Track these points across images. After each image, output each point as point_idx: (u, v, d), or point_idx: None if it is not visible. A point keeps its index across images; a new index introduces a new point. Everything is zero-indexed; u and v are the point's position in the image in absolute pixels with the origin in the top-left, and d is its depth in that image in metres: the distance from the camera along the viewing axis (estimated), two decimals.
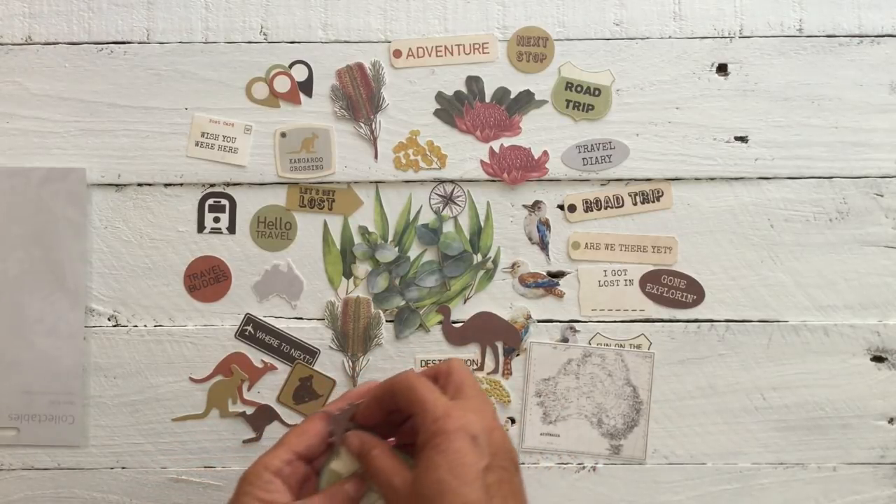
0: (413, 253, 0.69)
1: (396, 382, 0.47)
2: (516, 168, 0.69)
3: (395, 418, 0.49)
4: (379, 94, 0.69)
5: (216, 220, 0.69)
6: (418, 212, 0.69)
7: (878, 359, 0.69)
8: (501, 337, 0.69)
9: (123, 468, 0.69)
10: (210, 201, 0.69)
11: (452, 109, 0.69)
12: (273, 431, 0.69)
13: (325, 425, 0.49)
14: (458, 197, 0.69)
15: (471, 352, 0.69)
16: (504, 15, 0.69)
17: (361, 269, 0.69)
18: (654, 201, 0.69)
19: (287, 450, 0.48)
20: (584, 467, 0.69)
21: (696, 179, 0.69)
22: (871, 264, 0.69)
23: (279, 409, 0.69)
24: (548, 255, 0.69)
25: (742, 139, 0.69)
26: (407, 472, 0.45)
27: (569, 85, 0.69)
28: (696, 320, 0.69)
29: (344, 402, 0.51)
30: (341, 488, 0.48)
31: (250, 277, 0.69)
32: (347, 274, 0.69)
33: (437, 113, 0.69)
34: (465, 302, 0.69)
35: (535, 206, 0.69)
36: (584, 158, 0.69)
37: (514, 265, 0.69)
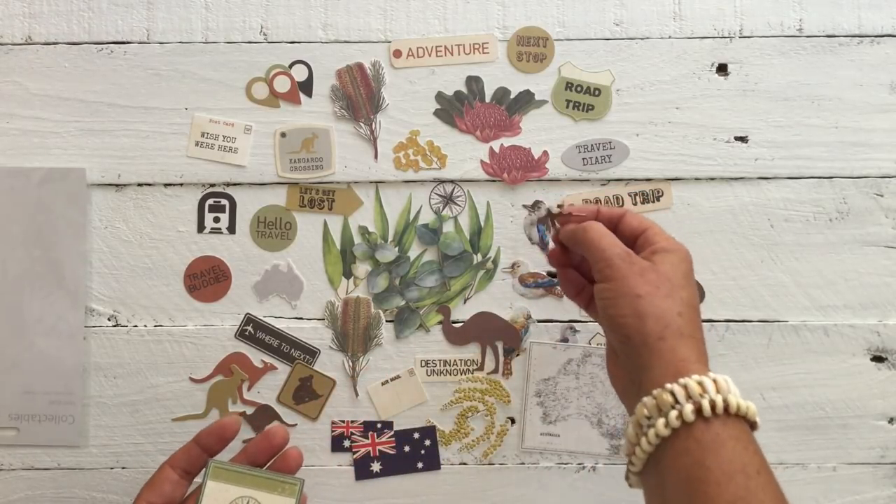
0: (413, 253, 0.69)
1: (628, 211, 0.57)
2: (516, 168, 0.69)
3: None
4: (379, 94, 0.69)
5: (216, 220, 0.69)
6: (418, 212, 0.69)
7: (878, 359, 0.69)
8: (501, 337, 0.69)
9: (123, 468, 0.69)
10: (210, 201, 0.69)
11: (452, 109, 0.69)
12: None
13: (173, 472, 0.57)
14: (458, 197, 0.69)
15: (471, 352, 0.69)
16: (504, 15, 0.69)
17: (361, 269, 0.69)
18: (654, 201, 0.69)
19: (141, 501, 0.55)
20: (584, 467, 0.69)
21: (696, 179, 0.69)
22: (871, 264, 0.69)
23: (279, 409, 0.69)
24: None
25: (742, 139, 0.69)
26: (639, 257, 0.53)
27: (569, 85, 0.69)
28: None
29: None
30: None
31: (250, 277, 0.69)
32: (347, 274, 0.69)
33: (437, 113, 0.69)
34: (465, 302, 0.69)
35: (535, 206, 0.69)
36: (584, 158, 0.69)
37: (514, 265, 0.69)
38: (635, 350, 0.50)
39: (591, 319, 0.69)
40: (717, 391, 0.46)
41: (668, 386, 0.46)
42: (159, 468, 0.58)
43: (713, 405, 0.45)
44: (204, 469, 0.57)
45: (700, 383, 0.46)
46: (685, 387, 0.46)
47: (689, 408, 0.45)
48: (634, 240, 0.55)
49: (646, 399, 0.47)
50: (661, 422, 0.46)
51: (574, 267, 0.60)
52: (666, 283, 0.50)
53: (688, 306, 0.50)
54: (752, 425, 0.48)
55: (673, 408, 0.46)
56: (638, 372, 0.50)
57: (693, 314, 0.50)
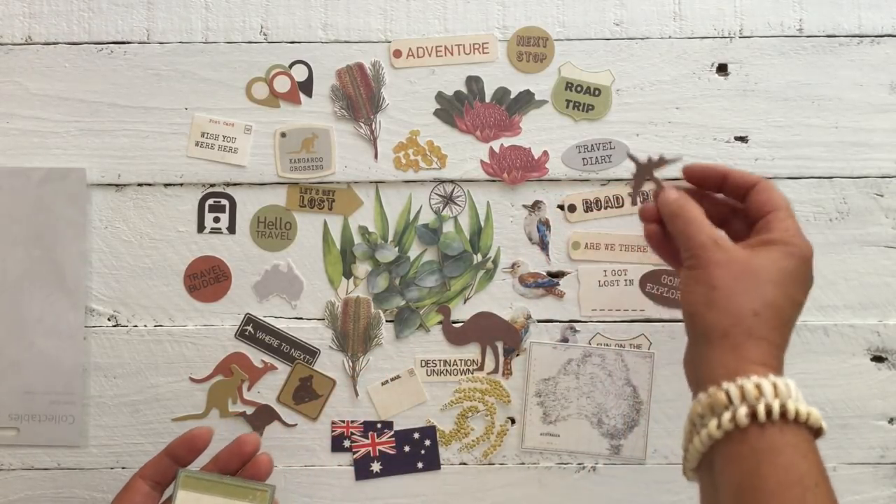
0: (413, 253, 0.69)
1: (762, 180, 0.53)
2: (516, 168, 0.69)
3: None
4: (379, 94, 0.69)
5: (216, 220, 0.69)
6: (418, 212, 0.69)
7: (878, 359, 0.69)
8: (501, 337, 0.69)
9: (123, 468, 0.69)
10: (210, 201, 0.69)
11: (452, 109, 0.69)
12: (273, 431, 0.69)
13: (143, 483, 0.57)
14: (458, 197, 0.69)
15: (471, 352, 0.69)
16: (504, 15, 0.69)
17: (361, 269, 0.69)
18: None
19: None
20: (584, 467, 0.69)
21: None
22: (871, 264, 0.69)
23: (279, 409, 0.69)
24: (548, 255, 0.69)
25: (742, 139, 0.69)
26: (734, 244, 0.49)
27: (569, 85, 0.69)
28: None
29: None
30: None
31: (250, 277, 0.69)
32: (347, 274, 0.69)
33: (437, 113, 0.69)
34: (465, 302, 0.69)
35: (535, 206, 0.69)
36: (584, 158, 0.69)
37: (514, 265, 0.69)
38: (699, 341, 0.48)
39: (591, 319, 0.69)
40: (776, 395, 0.43)
41: (725, 385, 0.44)
42: (130, 480, 0.58)
43: (769, 410, 0.43)
44: (174, 479, 0.58)
45: (758, 386, 0.43)
46: (741, 388, 0.43)
47: (742, 411, 0.43)
48: (758, 219, 0.51)
49: (701, 396, 0.45)
50: (713, 423, 0.44)
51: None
52: (751, 278, 0.47)
53: (770, 307, 0.46)
54: (817, 432, 0.45)
55: (727, 409, 0.43)
56: (699, 365, 0.47)
57: (775, 316, 0.46)
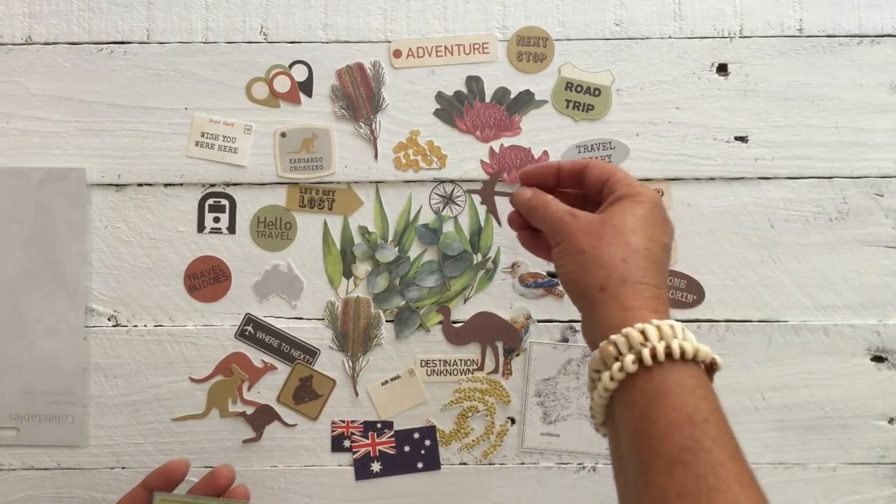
0: (413, 253, 0.69)
1: (592, 160, 0.56)
2: (516, 168, 0.69)
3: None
4: (379, 94, 0.69)
5: (216, 220, 0.69)
6: (418, 212, 0.69)
7: (878, 359, 0.69)
8: (501, 337, 0.69)
9: (123, 468, 0.69)
10: (210, 201, 0.69)
11: (452, 109, 0.69)
12: (273, 431, 0.69)
13: (146, 494, 0.58)
14: (458, 197, 0.69)
15: (471, 352, 0.69)
16: (504, 15, 0.69)
17: (361, 269, 0.69)
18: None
19: None
20: (584, 467, 0.69)
21: (696, 179, 0.69)
22: (871, 264, 0.69)
23: (279, 409, 0.69)
24: None
25: (742, 139, 0.69)
26: (588, 212, 0.51)
27: (569, 85, 0.69)
28: (696, 320, 0.69)
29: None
30: None
31: (250, 277, 0.69)
32: (347, 274, 0.69)
33: (437, 113, 0.69)
34: (465, 302, 0.69)
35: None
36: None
37: (514, 265, 0.69)
38: (584, 305, 0.49)
39: None
40: (661, 338, 0.44)
41: (612, 337, 0.45)
42: (126, 496, 0.59)
43: (654, 354, 0.43)
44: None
45: (642, 331, 0.44)
46: (627, 336, 0.44)
47: (629, 358, 0.43)
48: (600, 190, 0.53)
49: (594, 353, 0.46)
50: (606, 375, 0.45)
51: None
52: (611, 232, 0.49)
53: (636, 252, 0.48)
54: (711, 369, 0.45)
55: (616, 360, 0.44)
56: (592, 328, 0.48)
57: (644, 259, 0.48)
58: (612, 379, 0.44)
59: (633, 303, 0.46)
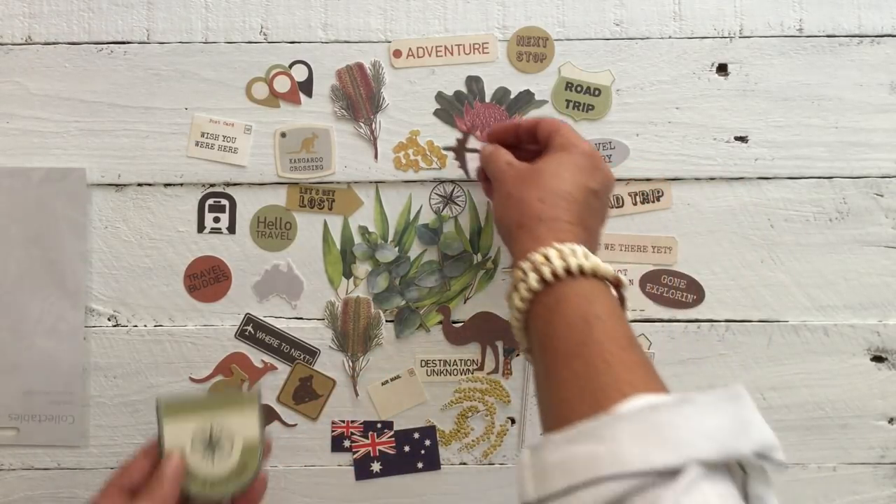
0: (413, 253, 0.69)
1: (545, 117, 0.62)
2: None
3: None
4: (379, 94, 0.69)
5: (216, 220, 0.69)
6: (418, 212, 0.69)
7: (878, 359, 0.69)
8: (501, 337, 0.69)
9: None
10: (210, 201, 0.69)
11: (452, 109, 0.69)
12: (273, 431, 0.69)
13: (149, 462, 0.54)
14: (458, 197, 0.69)
15: (471, 352, 0.69)
16: (504, 15, 0.69)
17: (361, 269, 0.69)
18: (654, 201, 0.69)
19: (109, 488, 0.52)
20: None
21: (696, 179, 0.69)
22: (871, 264, 0.69)
23: (279, 409, 0.69)
24: None
25: (742, 139, 0.69)
26: (524, 163, 0.57)
27: (569, 85, 0.69)
28: (696, 320, 0.69)
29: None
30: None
31: (250, 277, 0.69)
32: (347, 274, 0.69)
33: (437, 113, 0.69)
34: (465, 302, 0.69)
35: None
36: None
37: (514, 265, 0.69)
38: (507, 242, 0.55)
39: None
40: (561, 258, 0.48)
41: (520, 263, 0.50)
42: (135, 455, 0.55)
43: (554, 272, 0.47)
44: (156, 413, 0.55)
45: (545, 255, 0.48)
46: (531, 261, 0.49)
47: (533, 277, 0.48)
48: (548, 144, 0.58)
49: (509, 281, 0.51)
50: (515, 296, 0.49)
51: None
52: (535, 176, 0.54)
53: (553, 192, 0.53)
54: (617, 287, 0.50)
55: (523, 282, 0.49)
56: (511, 261, 0.53)
57: (561, 198, 0.53)
58: (521, 300, 0.49)
59: (544, 235, 0.51)
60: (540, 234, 0.51)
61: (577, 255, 0.48)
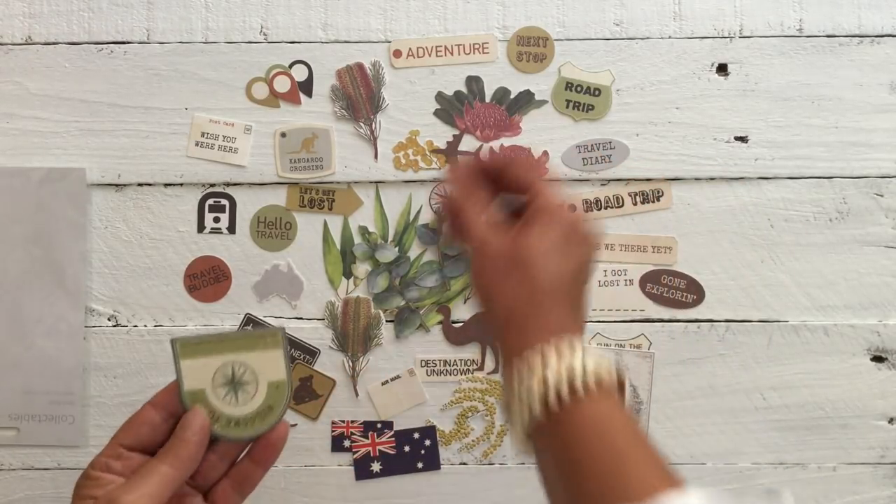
0: (413, 253, 0.69)
1: (517, 159, 0.53)
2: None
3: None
4: (379, 94, 0.69)
5: (216, 220, 0.69)
6: (418, 212, 0.69)
7: (878, 359, 0.69)
8: None
9: None
10: (210, 201, 0.69)
11: (452, 109, 0.69)
12: None
13: (156, 413, 0.49)
14: None
15: (471, 352, 0.69)
16: (504, 15, 0.69)
17: (361, 269, 0.69)
18: (654, 201, 0.69)
19: (113, 444, 0.48)
20: None
21: (696, 179, 0.69)
22: (871, 264, 0.69)
23: None
24: None
25: (742, 139, 0.69)
26: (503, 232, 0.48)
27: (569, 85, 0.69)
28: (696, 320, 0.69)
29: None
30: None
31: (250, 277, 0.69)
32: (347, 274, 0.69)
33: (437, 113, 0.69)
34: (465, 302, 0.69)
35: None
36: (584, 158, 0.69)
37: None
38: (490, 328, 0.49)
39: (591, 319, 0.69)
40: (568, 379, 0.43)
41: (517, 388, 0.44)
42: (140, 409, 0.50)
43: (560, 396, 0.43)
44: (172, 354, 0.50)
45: (544, 378, 0.43)
46: (532, 384, 0.43)
47: (537, 405, 0.43)
48: (526, 191, 0.51)
49: (504, 397, 0.46)
50: (518, 415, 0.44)
51: None
52: (523, 260, 0.47)
53: (545, 285, 0.46)
54: (618, 382, 0.45)
55: (524, 404, 0.44)
56: (498, 337, 0.47)
57: (553, 292, 0.47)
58: (525, 425, 0.44)
59: (541, 338, 0.45)
60: (535, 337, 0.45)
61: (577, 374, 0.43)
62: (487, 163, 0.53)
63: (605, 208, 0.69)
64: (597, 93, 0.69)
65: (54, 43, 0.69)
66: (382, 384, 0.69)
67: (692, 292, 0.69)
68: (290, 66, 0.69)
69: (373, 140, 0.69)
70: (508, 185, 0.51)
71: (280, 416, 0.49)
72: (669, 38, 0.69)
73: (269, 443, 0.50)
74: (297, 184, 0.69)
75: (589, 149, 0.69)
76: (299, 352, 0.69)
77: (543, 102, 0.69)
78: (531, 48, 0.69)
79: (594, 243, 0.50)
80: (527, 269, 0.47)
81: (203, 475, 0.48)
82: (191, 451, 0.47)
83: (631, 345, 0.69)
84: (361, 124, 0.69)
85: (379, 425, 0.69)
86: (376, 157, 0.69)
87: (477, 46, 0.69)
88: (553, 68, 0.69)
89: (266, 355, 0.50)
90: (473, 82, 0.69)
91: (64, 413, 0.68)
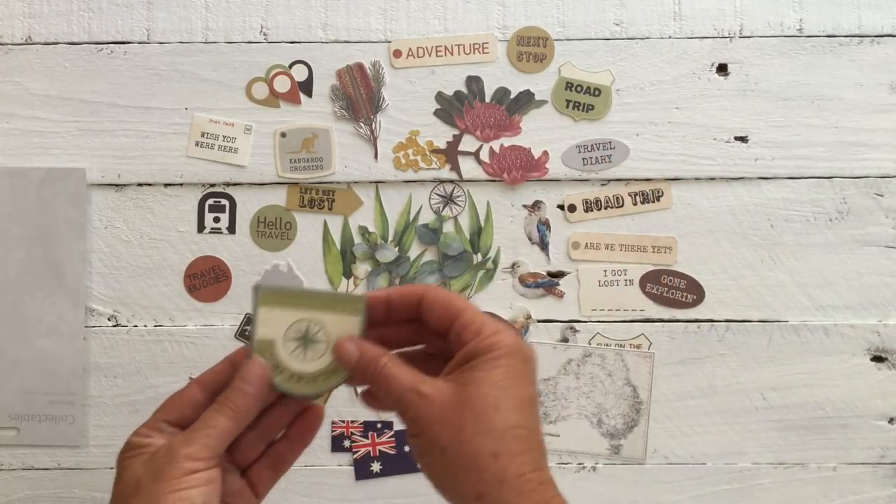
0: (413, 253, 0.69)
1: (430, 289, 0.45)
2: (516, 168, 0.69)
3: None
4: (379, 94, 0.69)
5: (216, 220, 0.69)
6: (418, 212, 0.69)
7: (878, 359, 0.69)
8: None
9: None
10: (210, 201, 0.69)
11: (452, 109, 0.69)
12: None
13: (200, 393, 0.47)
14: (458, 197, 0.69)
15: None
16: (504, 15, 0.69)
17: (361, 269, 0.69)
18: (654, 201, 0.69)
19: (156, 418, 0.47)
20: (584, 467, 0.69)
21: (696, 179, 0.69)
22: (871, 264, 0.69)
23: None
24: (548, 255, 0.69)
25: (742, 139, 0.69)
26: (439, 382, 0.42)
27: (569, 85, 0.69)
28: (696, 320, 0.69)
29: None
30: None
31: (250, 277, 0.69)
32: (347, 274, 0.69)
33: (437, 113, 0.69)
34: None
35: (535, 206, 0.69)
36: (584, 158, 0.69)
37: (514, 265, 0.69)
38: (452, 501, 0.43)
39: (591, 319, 0.69)
40: None
41: None
42: (186, 386, 0.48)
43: None
44: (252, 300, 0.48)
45: None
46: None
47: None
48: (445, 332, 0.44)
49: None
50: None
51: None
52: (471, 416, 0.40)
53: (504, 438, 0.41)
54: None
55: None
56: None
57: (515, 443, 0.41)
58: None
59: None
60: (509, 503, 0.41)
61: None
62: (395, 296, 0.46)
63: (605, 208, 0.69)
64: (597, 93, 0.69)
65: (54, 43, 0.69)
66: None
67: (692, 292, 0.69)
68: (290, 66, 0.69)
69: (373, 140, 0.69)
70: (429, 321, 0.45)
71: (342, 380, 0.47)
72: (669, 38, 0.69)
73: (307, 422, 0.48)
74: (297, 184, 0.69)
75: (589, 149, 0.69)
76: None
77: (543, 102, 0.69)
78: (531, 48, 0.69)
79: (534, 356, 0.44)
80: (482, 417, 0.41)
81: (243, 453, 0.47)
82: (248, 401, 0.45)
83: (631, 345, 0.69)
84: (361, 124, 0.69)
85: (379, 425, 0.69)
86: (376, 157, 0.69)
87: (477, 46, 0.69)
88: (553, 68, 0.69)
89: (344, 319, 0.47)
90: (473, 82, 0.69)
91: (64, 413, 0.68)
